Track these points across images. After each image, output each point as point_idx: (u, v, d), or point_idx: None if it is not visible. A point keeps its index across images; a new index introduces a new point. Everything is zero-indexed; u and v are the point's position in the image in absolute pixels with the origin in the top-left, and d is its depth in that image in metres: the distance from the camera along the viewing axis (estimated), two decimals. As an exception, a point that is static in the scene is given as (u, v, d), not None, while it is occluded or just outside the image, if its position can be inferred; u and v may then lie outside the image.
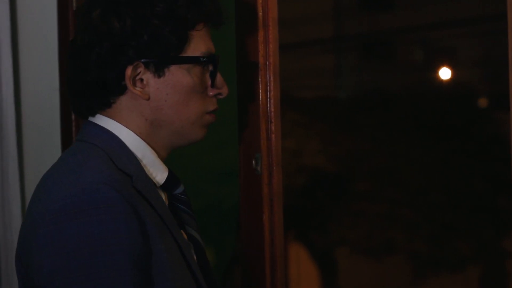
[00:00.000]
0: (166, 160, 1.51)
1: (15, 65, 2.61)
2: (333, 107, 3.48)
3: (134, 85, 1.43)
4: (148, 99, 1.44)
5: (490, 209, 2.98)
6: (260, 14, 1.82)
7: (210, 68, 1.49)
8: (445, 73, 3.06)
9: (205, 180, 1.79)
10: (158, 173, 1.47)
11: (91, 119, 1.47)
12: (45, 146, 2.63)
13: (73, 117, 2.50)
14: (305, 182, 3.47)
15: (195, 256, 1.50)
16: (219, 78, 1.51)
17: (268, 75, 1.83)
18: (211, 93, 1.50)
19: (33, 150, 2.64)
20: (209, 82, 1.49)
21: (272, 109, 1.84)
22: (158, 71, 1.44)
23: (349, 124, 3.43)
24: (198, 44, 1.47)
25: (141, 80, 1.44)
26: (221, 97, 1.53)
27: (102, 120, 1.46)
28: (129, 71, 1.42)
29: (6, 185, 2.52)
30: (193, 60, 1.46)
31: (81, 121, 2.45)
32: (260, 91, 1.83)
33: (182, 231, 1.49)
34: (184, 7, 1.44)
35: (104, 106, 1.45)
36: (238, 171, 1.88)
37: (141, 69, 1.43)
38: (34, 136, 2.65)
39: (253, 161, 1.83)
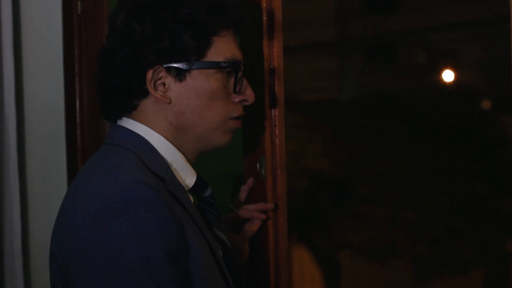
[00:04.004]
0: None
1: (18, 70, 2.61)
2: (336, 110, 3.48)
3: (156, 89, 1.44)
4: (170, 103, 1.45)
5: (493, 211, 2.98)
6: (265, 18, 1.82)
7: (240, 74, 1.50)
8: (448, 76, 3.05)
9: (209, 183, 1.79)
10: (187, 177, 1.49)
11: (119, 122, 1.48)
12: (50, 151, 2.63)
13: (77, 120, 2.50)
14: (308, 185, 3.47)
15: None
16: (245, 84, 1.52)
17: (272, 79, 1.83)
18: (236, 100, 1.51)
19: (37, 154, 2.64)
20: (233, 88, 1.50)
21: (276, 113, 1.84)
22: (179, 76, 1.45)
23: (352, 127, 3.42)
24: (222, 50, 1.47)
25: (164, 84, 1.45)
26: (246, 103, 1.53)
27: (131, 124, 1.47)
28: (149, 74, 1.44)
29: (7, 189, 2.52)
30: (214, 65, 1.46)
31: (86, 126, 2.45)
32: (264, 94, 1.82)
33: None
34: (206, 13, 1.45)
35: (130, 109, 1.47)
36: (243, 174, 1.88)
37: (162, 73, 1.44)
38: (38, 141, 2.64)
39: (257, 165, 1.83)
